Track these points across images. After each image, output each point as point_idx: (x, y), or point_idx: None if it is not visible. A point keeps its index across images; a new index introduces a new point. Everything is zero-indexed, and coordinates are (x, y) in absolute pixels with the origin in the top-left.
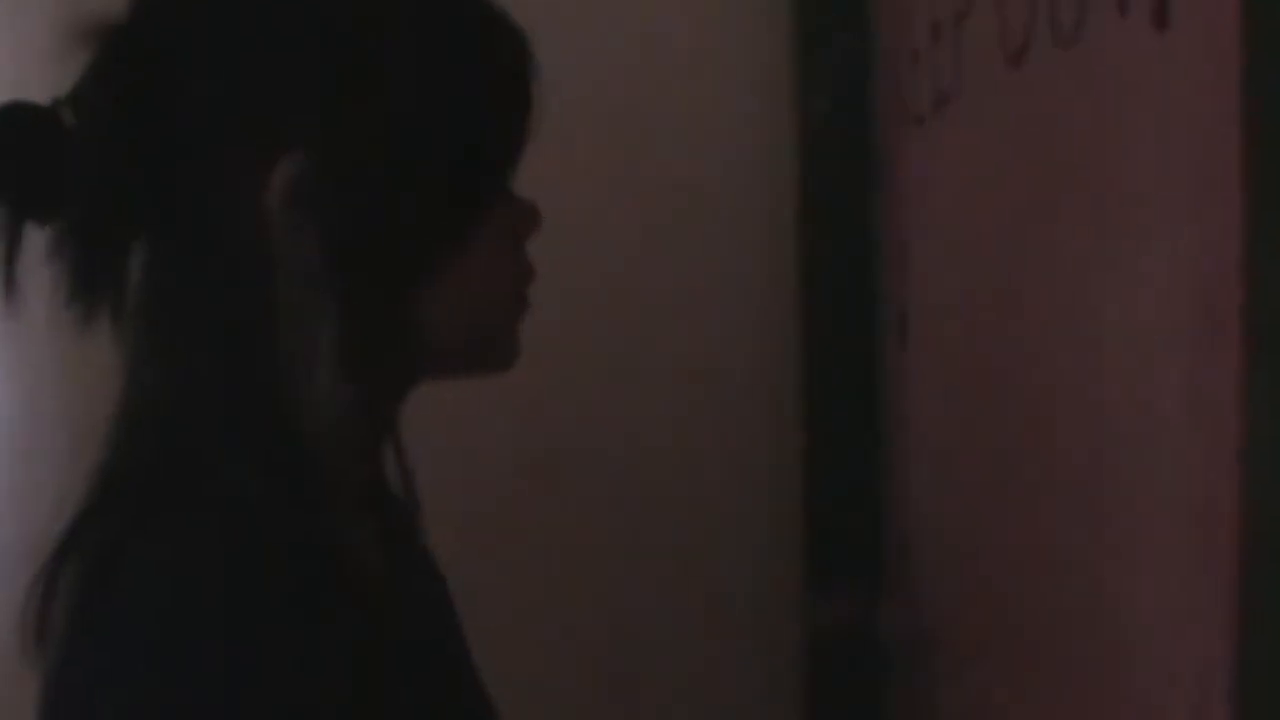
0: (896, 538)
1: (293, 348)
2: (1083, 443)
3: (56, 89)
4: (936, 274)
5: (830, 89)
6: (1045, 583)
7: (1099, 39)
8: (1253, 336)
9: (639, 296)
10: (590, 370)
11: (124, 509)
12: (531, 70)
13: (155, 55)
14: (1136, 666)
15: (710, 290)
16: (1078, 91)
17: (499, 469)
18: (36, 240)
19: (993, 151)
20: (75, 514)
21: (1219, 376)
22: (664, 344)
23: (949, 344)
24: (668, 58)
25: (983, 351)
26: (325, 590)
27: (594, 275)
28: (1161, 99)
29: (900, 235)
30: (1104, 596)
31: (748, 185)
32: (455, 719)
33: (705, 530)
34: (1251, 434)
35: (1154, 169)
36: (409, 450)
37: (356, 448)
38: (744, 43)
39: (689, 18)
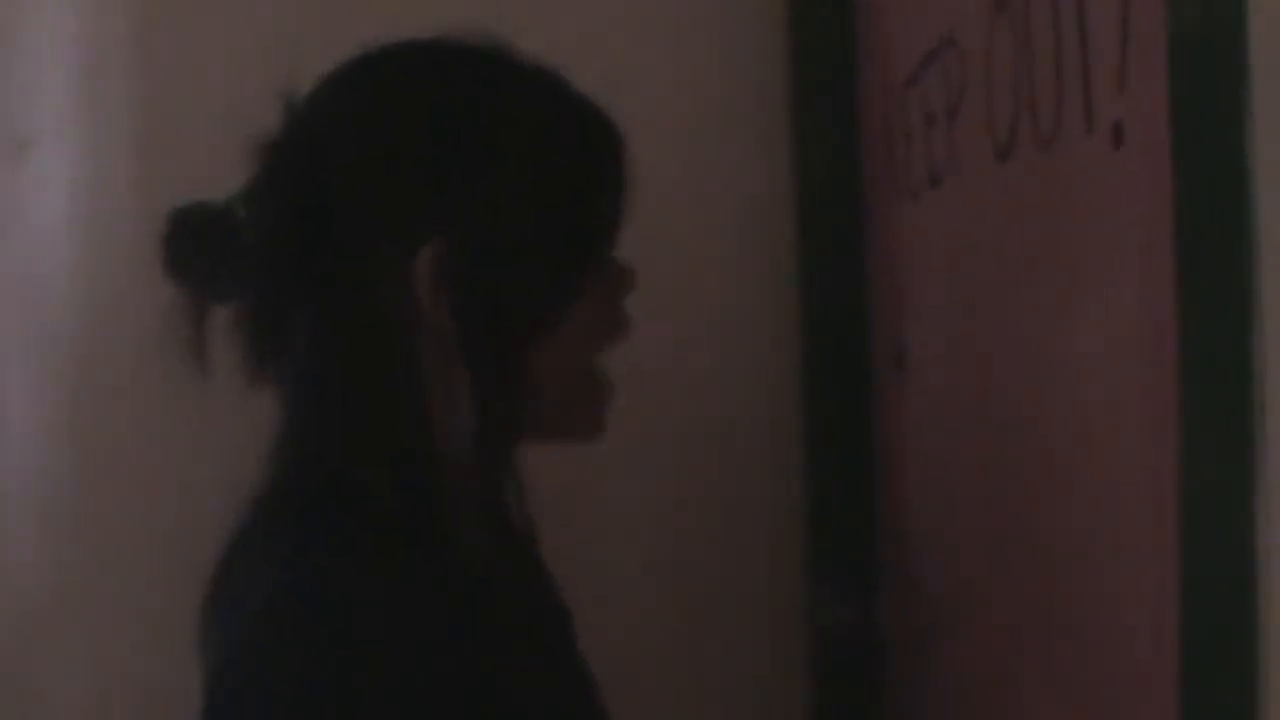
0: (892, 540)
1: (433, 396)
2: (1055, 453)
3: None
4: (930, 316)
5: (823, 153)
6: (1022, 570)
7: (1071, 148)
8: (1184, 369)
9: (659, 319)
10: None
11: (293, 529)
12: (624, 157)
13: (311, 167)
14: (1104, 626)
15: (718, 318)
16: (1054, 188)
17: None
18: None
19: (981, 227)
20: (238, 531)
21: (1162, 396)
22: (679, 372)
23: (942, 371)
24: (668, 115)
25: (971, 379)
26: (457, 582)
27: None
28: (1118, 199)
29: (897, 284)
30: (1074, 578)
31: (750, 226)
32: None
33: (714, 537)
34: (1188, 437)
35: (1112, 246)
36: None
37: (480, 484)
38: (741, 105)
39: (686, 76)
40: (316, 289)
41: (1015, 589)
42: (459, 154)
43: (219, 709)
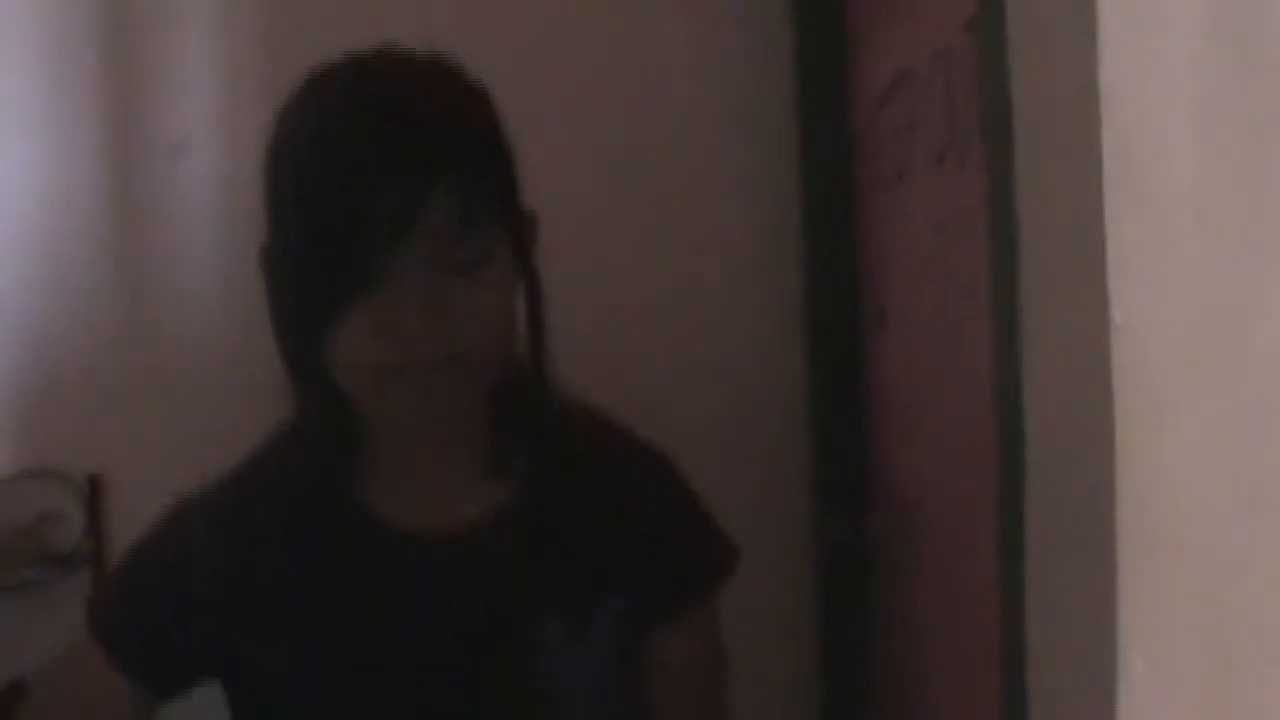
0: (879, 464)
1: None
2: (976, 391)
3: None
4: (901, 284)
5: (823, 154)
6: (957, 486)
7: (974, 158)
8: (996, 323)
9: (689, 286)
10: (626, 346)
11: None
12: (346, 239)
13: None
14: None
15: (733, 292)
16: (965, 186)
17: None
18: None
19: (927, 213)
20: None
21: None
22: (703, 330)
23: (909, 329)
24: (699, 123)
25: (927, 335)
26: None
27: (634, 286)
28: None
29: (878, 256)
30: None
31: (763, 211)
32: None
33: (733, 469)
34: (999, 385)
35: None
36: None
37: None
38: (757, 115)
39: (714, 94)
40: None
41: (949, 498)
42: (272, 192)
43: None
